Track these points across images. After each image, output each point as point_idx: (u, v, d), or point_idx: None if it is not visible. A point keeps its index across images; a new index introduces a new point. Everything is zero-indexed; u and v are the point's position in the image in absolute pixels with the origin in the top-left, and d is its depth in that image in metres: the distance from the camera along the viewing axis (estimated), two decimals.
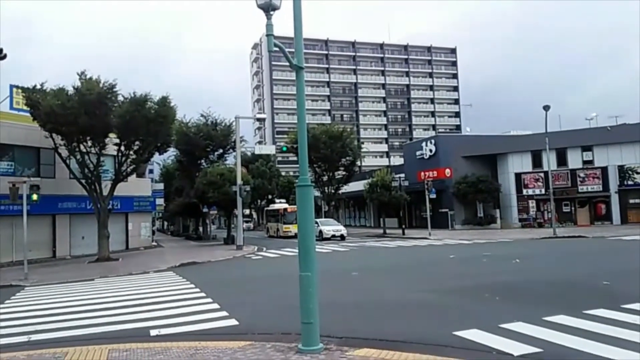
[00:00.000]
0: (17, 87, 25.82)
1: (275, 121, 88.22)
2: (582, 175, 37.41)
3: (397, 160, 75.73)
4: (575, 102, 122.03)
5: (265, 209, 48.97)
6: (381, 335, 7.34)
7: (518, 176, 38.96)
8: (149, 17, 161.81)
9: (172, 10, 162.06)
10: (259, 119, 70.48)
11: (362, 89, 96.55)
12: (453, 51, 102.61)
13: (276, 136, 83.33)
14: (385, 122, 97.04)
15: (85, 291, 14.16)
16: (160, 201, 45.82)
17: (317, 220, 34.08)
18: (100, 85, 23.34)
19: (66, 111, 22.35)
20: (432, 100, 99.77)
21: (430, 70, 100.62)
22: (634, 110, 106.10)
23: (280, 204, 43.30)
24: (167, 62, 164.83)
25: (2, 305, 12.19)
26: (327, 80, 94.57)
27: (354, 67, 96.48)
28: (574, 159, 37.69)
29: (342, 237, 33.38)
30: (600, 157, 37.07)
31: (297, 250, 6.89)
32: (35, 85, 23.77)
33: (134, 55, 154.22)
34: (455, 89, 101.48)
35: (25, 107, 24.30)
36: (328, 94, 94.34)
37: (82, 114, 22.48)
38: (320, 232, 32.96)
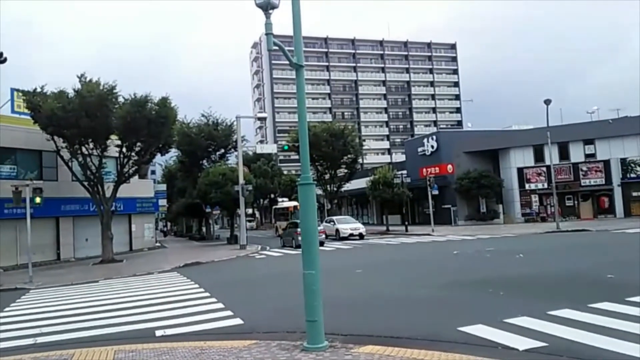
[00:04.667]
0: (18, 90, 25.90)
1: (276, 120, 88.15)
2: (584, 169, 37.30)
3: (398, 157, 75.73)
4: (576, 95, 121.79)
5: (274, 207, 48.82)
6: (386, 331, 7.35)
7: (520, 171, 38.87)
8: (147, 19, 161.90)
9: (171, 10, 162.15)
10: (259, 118, 70.37)
11: (362, 86, 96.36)
12: (453, 47, 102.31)
13: (277, 135, 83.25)
14: (386, 119, 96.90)
15: (90, 293, 14.22)
16: (163, 202, 45.89)
17: (334, 218, 33.69)
18: (101, 87, 23.38)
19: (67, 113, 22.42)
20: (432, 97, 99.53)
21: (430, 67, 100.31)
22: (636, 102, 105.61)
23: (288, 202, 43.04)
24: (166, 63, 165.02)
25: (7, 308, 12.25)
26: (328, 78, 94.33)
27: (354, 64, 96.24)
28: (576, 153, 37.57)
29: (361, 236, 29.93)
30: (603, 151, 36.93)
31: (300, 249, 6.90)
32: (35, 89, 23.80)
33: (135, 58, 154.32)
34: (456, 84, 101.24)
35: (26, 110, 24.35)
36: (328, 91, 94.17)
37: (83, 116, 22.55)
38: (337, 230, 30.56)
